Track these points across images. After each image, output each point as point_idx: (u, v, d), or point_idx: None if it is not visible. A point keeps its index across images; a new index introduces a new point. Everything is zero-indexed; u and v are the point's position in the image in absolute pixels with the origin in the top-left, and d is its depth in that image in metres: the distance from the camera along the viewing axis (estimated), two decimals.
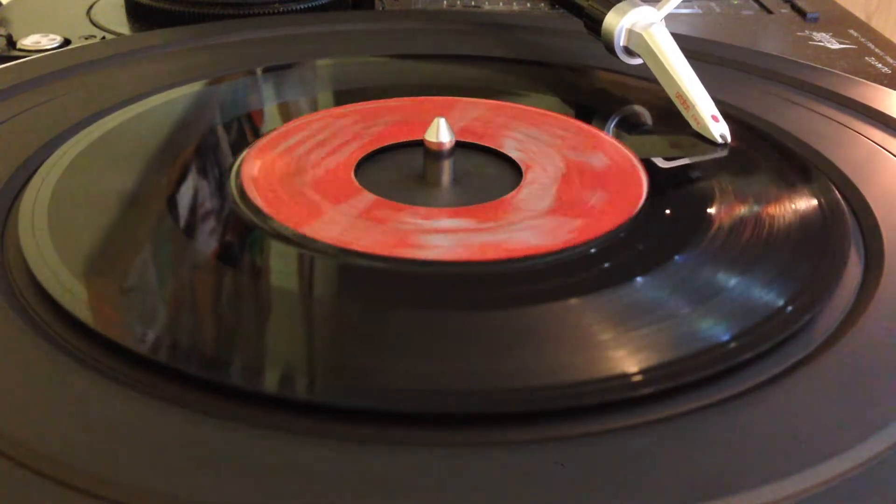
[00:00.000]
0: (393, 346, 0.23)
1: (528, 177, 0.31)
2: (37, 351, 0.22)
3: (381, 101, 0.38)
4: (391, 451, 0.19)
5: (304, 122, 0.35)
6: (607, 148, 0.34)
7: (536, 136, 0.35)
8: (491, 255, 0.26)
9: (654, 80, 0.37)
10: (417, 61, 0.44)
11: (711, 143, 0.35)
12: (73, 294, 0.24)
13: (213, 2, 0.50)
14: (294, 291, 0.25)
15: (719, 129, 0.35)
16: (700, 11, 0.58)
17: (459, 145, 0.32)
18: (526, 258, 0.26)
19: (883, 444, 0.19)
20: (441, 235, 0.28)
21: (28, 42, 0.47)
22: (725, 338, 0.23)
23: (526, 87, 0.41)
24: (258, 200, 0.29)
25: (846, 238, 0.28)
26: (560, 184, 0.31)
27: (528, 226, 0.28)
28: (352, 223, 0.28)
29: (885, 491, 0.18)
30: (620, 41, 0.39)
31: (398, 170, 0.32)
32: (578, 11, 0.41)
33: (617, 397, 0.21)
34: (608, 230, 0.28)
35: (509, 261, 0.26)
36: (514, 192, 0.30)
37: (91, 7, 0.55)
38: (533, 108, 0.37)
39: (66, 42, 0.47)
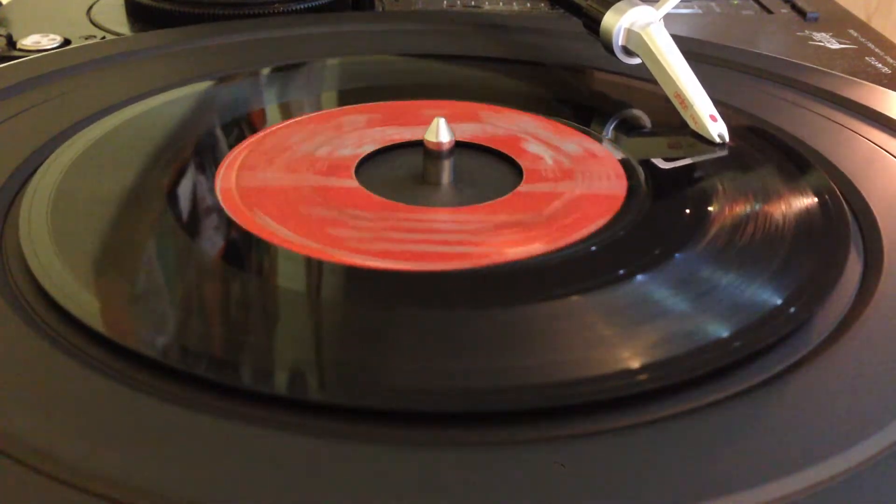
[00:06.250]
0: (392, 346, 0.23)
1: (527, 176, 0.31)
2: (36, 351, 0.22)
3: (382, 101, 0.38)
4: (391, 450, 0.19)
5: (303, 123, 0.35)
6: (593, 147, 0.34)
7: (535, 137, 0.35)
8: (489, 254, 0.26)
9: (653, 80, 0.37)
10: (417, 61, 0.44)
11: (710, 142, 0.35)
12: (72, 294, 0.24)
13: (213, 2, 0.50)
14: (293, 292, 0.25)
15: (717, 129, 0.35)
16: (700, 11, 0.58)
17: (459, 145, 0.32)
18: (525, 257, 0.26)
19: (883, 444, 0.19)
20: (440, 236, 0.28)
21: (28, 42, 0.47)
22: (724, 337, 0.23)
23: (525, 88, 0.41)
24: (237, 206, 0.29)
25: (846, 238, 0.28)
26: (558, 184, 0.31)
27: (526, 225, 0.28)
28: (353, 224, 0.28)
29: (885, 491, 0.18)
30: (619, 41, 0.39)
31: (398, 170, 0.33)
32: (577, 11, 0.41)
33: (616, 396, 0.21)
34: (607, 229, 0.28)
35: (508, 261, 0.26)
36: (513, 192, 0.30)
37: (91, 7, 0.55)
38: (529, 113, 0.37)
39: (66, 42, 0.47)
